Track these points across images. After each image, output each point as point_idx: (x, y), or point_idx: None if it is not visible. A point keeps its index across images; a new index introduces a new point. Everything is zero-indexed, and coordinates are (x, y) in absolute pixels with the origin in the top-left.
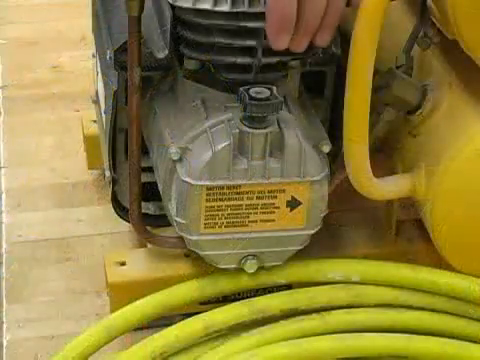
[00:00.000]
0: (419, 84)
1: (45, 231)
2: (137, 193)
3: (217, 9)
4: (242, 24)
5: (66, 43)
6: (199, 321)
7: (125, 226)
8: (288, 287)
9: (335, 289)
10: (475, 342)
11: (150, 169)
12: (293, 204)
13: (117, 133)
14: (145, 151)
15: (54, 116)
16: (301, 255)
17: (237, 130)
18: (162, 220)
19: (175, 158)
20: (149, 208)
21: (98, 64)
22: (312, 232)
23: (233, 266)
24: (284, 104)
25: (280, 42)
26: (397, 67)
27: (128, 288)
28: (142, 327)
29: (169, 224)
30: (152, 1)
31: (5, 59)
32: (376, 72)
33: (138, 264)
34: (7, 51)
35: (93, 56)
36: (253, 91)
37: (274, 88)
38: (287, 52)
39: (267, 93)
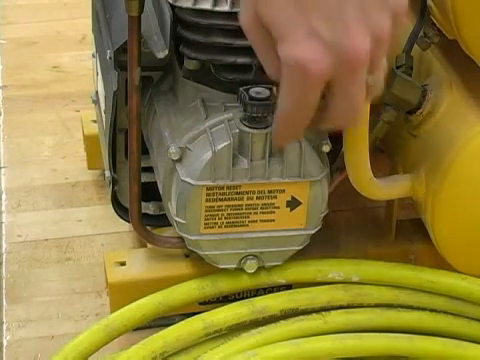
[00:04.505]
0: (419, 84)
1: (45, 231)
2: (137, 193)
3: (217, 9)
4: None
5: (66, 43)
6: (199, 321)
7: (125, 226)
8: (288, 287)
9: (335, 289)
10: (475, 342)
11: (150, 169)
12: (293, 204)
13: (117, 133)
14: (145, 151)
15: (54, 116)
16: (301, 255)
17: (237, 130)
18: (162, 220)
19: (175, 158)
20: (149, 208)
21: (98, 64)
22: (312, 232)
23: (233, 266)
24: None
25: (283, 143)
26: (397, 67)
27: (128, 288)
28: (142, 327)
29: (169, 224)
30: (152, 1)
31: (5, 59)
32: None
33: (138, 264)
34: (7, 51)
35: (93, 56)
36: (253, 91)
37: (274, 88)
38: None
39: (267, 93)
